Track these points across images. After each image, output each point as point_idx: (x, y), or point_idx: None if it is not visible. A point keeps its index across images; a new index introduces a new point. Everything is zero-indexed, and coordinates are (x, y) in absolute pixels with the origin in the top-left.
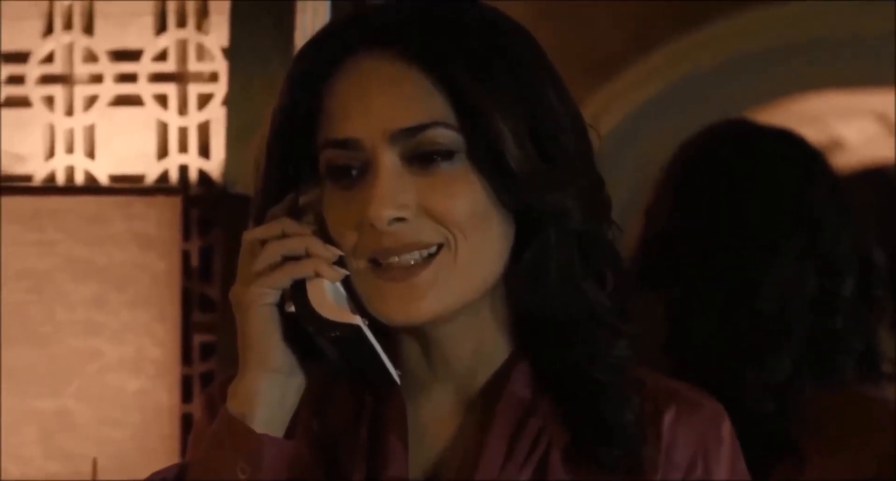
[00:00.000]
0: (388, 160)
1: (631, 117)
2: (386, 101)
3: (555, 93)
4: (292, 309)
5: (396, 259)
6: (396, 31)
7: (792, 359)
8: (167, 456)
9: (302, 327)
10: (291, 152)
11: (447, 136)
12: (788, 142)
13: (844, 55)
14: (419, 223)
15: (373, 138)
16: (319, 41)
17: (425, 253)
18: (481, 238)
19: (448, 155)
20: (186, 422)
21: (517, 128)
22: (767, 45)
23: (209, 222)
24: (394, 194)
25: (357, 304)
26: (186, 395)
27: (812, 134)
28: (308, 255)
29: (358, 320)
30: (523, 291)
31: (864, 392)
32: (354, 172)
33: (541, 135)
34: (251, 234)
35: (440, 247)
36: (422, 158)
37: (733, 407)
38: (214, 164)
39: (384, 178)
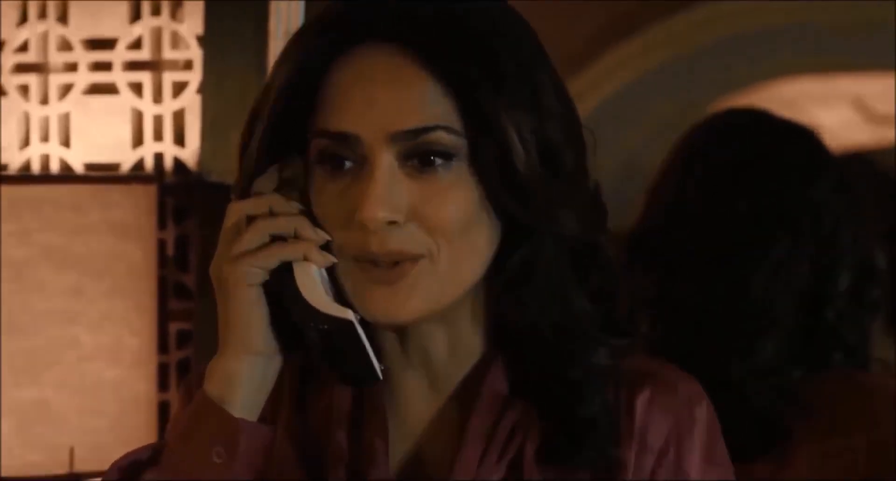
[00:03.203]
0: (386, 160)
1: (608, 102)
2: (390, 100)
3: (555, 94)
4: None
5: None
6: (409, 28)
7: (777, 345)
8: None
9: (284, 309)
10: (281, 128)
11: (449, 140)
12: (796, 133)
13: (821, 41)
14: (407, 230)
15: (372, 136)
16: (327, 22)
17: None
18: (467, 245)
19: (447, 157)
20: (163, 411)
21: (523, 136)
22: (743, 30)
23: (184, 211)
24: (388, 196)
25: (338, 291)
26: (163, 384)
27: None
28: (297, 237)
29: (350, 315)
30: (505, 296)
31: (858, 377)
32: (348, 164)
33: (544, 142)
34: (238, 208)
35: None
36: (419, 158)
37: (721, 391)
38: (189, 153)
39: (380, 179)
